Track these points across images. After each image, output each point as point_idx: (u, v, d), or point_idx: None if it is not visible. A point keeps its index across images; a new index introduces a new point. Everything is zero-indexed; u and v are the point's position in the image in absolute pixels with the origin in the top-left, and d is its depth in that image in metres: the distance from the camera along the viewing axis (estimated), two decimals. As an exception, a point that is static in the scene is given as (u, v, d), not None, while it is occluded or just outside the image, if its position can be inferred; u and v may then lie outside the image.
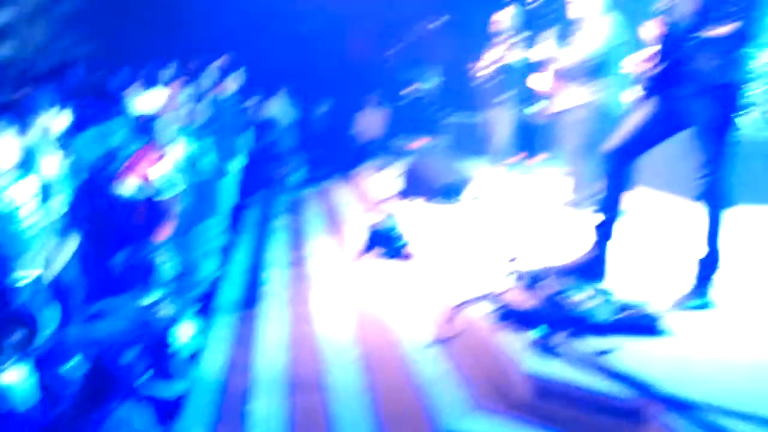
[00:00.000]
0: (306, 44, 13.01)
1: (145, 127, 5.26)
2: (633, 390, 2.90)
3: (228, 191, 7.21)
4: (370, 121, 12.07)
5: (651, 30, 3.75)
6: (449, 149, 11.48)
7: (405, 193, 7.21)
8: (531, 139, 8.47)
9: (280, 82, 11.33)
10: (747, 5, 3.58)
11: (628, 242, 4.38)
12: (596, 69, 6.24)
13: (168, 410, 3.86)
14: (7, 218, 3.64)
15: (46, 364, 3.55)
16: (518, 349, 3.30)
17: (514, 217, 6.12)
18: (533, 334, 3.31)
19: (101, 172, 4.82)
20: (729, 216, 3.79)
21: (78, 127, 4.70)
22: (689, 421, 2.68)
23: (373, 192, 8.25)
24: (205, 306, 5.58)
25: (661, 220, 6.24)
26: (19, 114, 3.94)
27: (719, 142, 3.72)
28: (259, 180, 10.34)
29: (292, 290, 5.77)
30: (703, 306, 3.78)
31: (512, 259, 3.95)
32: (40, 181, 3.92)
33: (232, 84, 7.70)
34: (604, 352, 3.16)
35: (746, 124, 8.16)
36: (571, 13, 6.40)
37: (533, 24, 4.19)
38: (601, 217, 4.09)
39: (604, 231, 4.08)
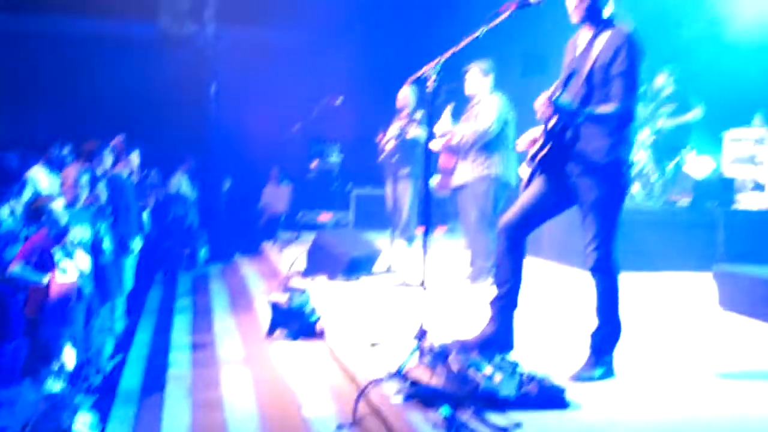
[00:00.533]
0: (207, 118, 13.01)
1: (40, 210, 5.12)
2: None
3: (128, 272, 7.04)
4: (275, 197, 12.09)
5: (539, 110, 3.91)
6: (353, 223, 11.63)
7: (311, 269, 7.21)
8: (431, 212, 8.65)
9: (181, 159, 11.25)
10: (628, 86, 3.82)
11: (530, 313, 4.51)
12: (491, 145, 6.52)
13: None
14: None
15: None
16: (426, 428, 3.31)
17: (417, 292, 6.20)
18: (440, 413, 3.33)
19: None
20: (621, 285, 3.97)
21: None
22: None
23: (279, 268, 8.21)
24: (105, 394, 5.36)
25: (563, 291, 6.47)
26: None
27: (606, 216, 3.89)
28: (161, 259, 10.14)
29: (197, 374, 5.63)
30: (606, 376, 3.91)
31: (416, 337, 4.00)
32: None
33: (130, 163, 7.61)
34: (510, 428, 3.21)
35: (633, 195, 8.66)
36: (468, 90, 6.69)
37: (433, 100, 4.35)
38: (500, 290, 4.21)
39: (506, 302, 4.19)
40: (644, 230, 7.63)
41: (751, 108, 8.57)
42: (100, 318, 5.72)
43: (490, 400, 3.41)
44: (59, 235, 5.06)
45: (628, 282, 4.09)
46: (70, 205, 5.52)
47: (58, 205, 5.16)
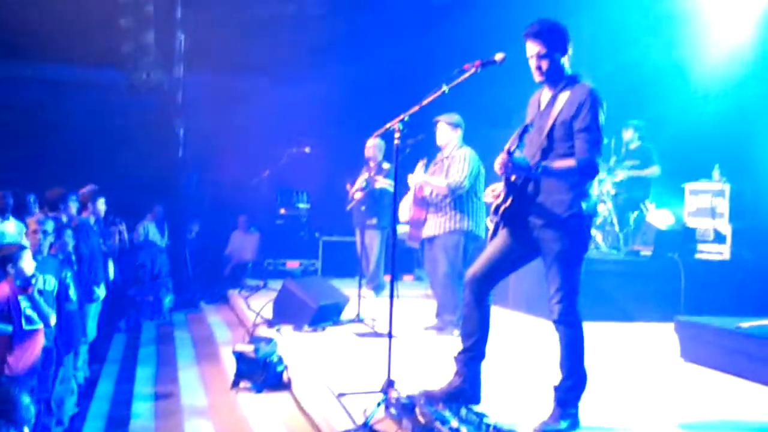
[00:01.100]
0: (175, 164, 13.00)
1: (5, 259, 5.07)
2: None
3: (92, 320, 6.95)
4: (242, 244, 12.05)
5: (501, 165, 3.91)
6: (321, 270, 11.63)
7: (278, 318, 7.18)
8: (397, 262, 8.72)
9: (149, 206, 11.18)
10: (592, 141, 3.90)
11: (497, 364, 4.54)
12: (462, 199, 6.60)
13: None
14: None
15: None
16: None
17: (384, 341, 6.20)
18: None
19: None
20: (585, 336, 4.02)
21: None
22: None
23: (245, 317, 8.16)
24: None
25: (530, 341, 6.51)
26: None
27: (569, 269, 3.94)
28: (125, 307, 10.01)
29: (159, 425, 5.55)
30: (572, 428, 3.92)
31: (383, 389, 4.01)
32: None
33: (96, 210, 7.57)
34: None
35: (596, 245, 8.80)
36: (439, 141, 6.80)
37: (398, 154, 4.42)
38: (466, 342, 4.24)
39: (473, 354, 4.22)
40: (608, 280, 7.75)
41: (710, 160, 8.80)
42: (63, 367, 5.63)
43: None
44: (25, 284, 5.00)
45: (592, 332, 4.13)
46: (35, 253, 5.47)
47: (24, 254, 5.10)
